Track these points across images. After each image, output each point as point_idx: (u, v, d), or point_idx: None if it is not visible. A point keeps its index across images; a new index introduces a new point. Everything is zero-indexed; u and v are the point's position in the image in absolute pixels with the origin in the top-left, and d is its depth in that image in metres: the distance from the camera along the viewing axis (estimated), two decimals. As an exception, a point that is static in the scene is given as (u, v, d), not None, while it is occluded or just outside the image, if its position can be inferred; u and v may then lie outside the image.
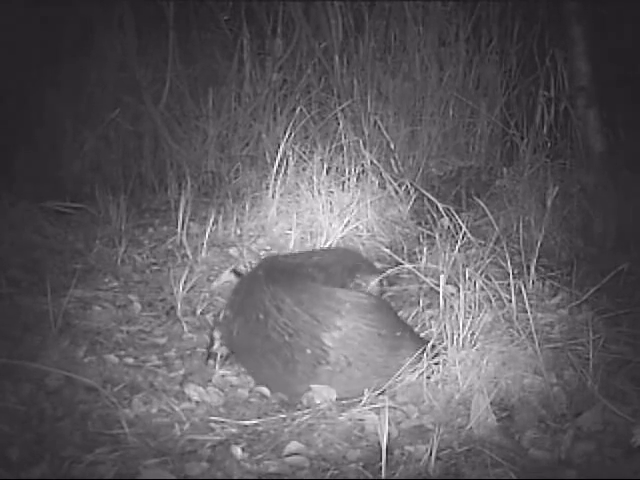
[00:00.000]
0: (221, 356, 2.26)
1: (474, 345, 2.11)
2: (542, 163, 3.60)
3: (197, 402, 2.06)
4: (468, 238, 2.69)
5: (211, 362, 2.26)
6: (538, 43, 4.38)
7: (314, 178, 3.27)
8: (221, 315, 2.32)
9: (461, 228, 2.65)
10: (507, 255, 2.40)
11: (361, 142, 3.73)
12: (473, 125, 4.51)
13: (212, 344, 2.29)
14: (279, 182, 3.30)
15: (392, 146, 4.08)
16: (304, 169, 3.39)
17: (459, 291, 2.24)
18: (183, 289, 2.61)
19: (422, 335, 2.31)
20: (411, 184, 3.56)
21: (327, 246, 3.00)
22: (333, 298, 2.11)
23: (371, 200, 3.30)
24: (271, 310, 2.11)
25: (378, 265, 3.02)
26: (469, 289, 2.28)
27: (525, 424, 1.91)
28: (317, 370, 2.06)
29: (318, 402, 2.04)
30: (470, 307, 2.23)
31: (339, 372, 2.05)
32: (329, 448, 1.85)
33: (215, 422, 1.96)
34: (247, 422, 1.97)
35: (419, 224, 3.36)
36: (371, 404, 1.98)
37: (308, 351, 2.06)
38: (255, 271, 2.37)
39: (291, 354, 2.07)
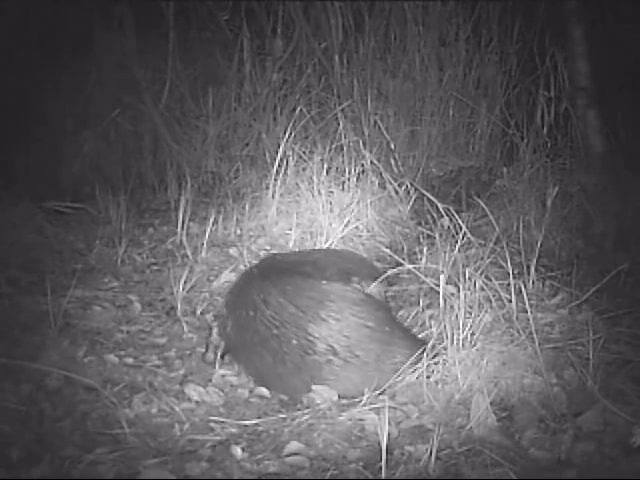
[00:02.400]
0: (218, 349, 2.26)
1: (474, 345, 2.11)
2: (542, 163, 3.59)
3: (197, 402, 2.06)
4: (468, 238, 2.69)
5: (209, 355, 2.27)
6: (538, 43, 4.37)
7: (314, 178, 3.27)
8: (219, 311, 2.33)
9: (461, 228, 2.64)
10: (507, 255, 2.39)
11: (361, 142, 3.73)
12: (473, 125, 4.50)
13: (210, 334, 2.31)
14: (279, 182, 3.30)
15: (392, 146, 4.07)
16: (304, 169, 3.39)
17: (459, 291, 2.24)
18: (183, 289, 2.61)
19: (422, 335, 2.32)
20: (411, 184, 3.56)
21: (328, 246, 3.00)
22: (318, 290, 2.13)
23: (371, 200, 3.30)
24: (259, 304, 2.14)
25: (378, 265, 3.02)
26: (469, 289, 2.28)
27: (525, 424, 1.91)
28: (305, 360, 2.07)
29: (318, 402, 2.04)
30: (470, 307, 2.24)
31: (326, 362, 2.07)
32: (329, 448, 1.85)
33: (215, 422, 1.97)
34: (247, 422, 1.98)
35: (419, 224, 3.36)
36: (371, 404, 1.99)
37: (294, 342, 2.08)
38: (251, 269, 2.40)
39: (279, 345, 2.10)
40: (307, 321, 2.08)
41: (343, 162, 3.51)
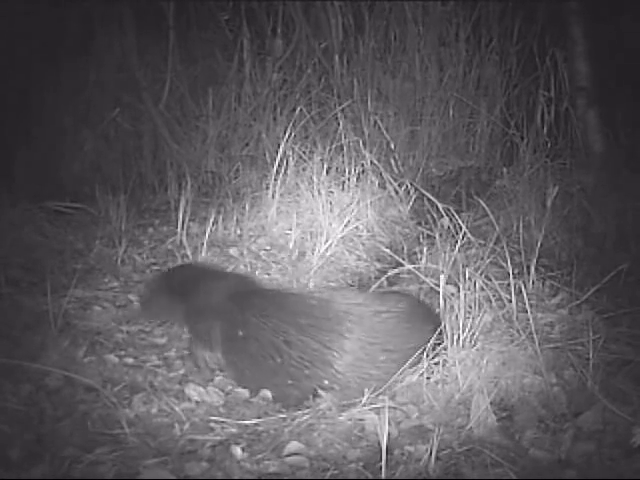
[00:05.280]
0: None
1: (474, 345, 2.11)
2: (542, 163, 3.60)
3: (197, 402, 2.06)
4: (468, 238, 2.69)
5: (205, 372, 2.25)
6: (538, 43, 4.38)
7: (314, 178, 3.27)
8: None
9: (461, 228, 2.65)
10: (507, 255, 2.40)
11: (361, 142, 3.73)
12: (473, 125, 4.51)
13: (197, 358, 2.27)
14: (279, 182, 3.30)
15: (392, 146, 4.08)
16: (304, 169, 3.39)
17: (459, 291, 2.24)
18: (183, 289, 2.61)
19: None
20: (411, 184, 3.57)
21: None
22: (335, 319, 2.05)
23: (371, 200, 3.30)
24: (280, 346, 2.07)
25: (378, 265, 3.03)
26: (469, 289, 2.27)
27: (525, 424, 1.91)
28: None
29: (318, 402, 2.04)
30: (470, 307, 2.23)
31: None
32: (329, 448, 1.85)
33: (215, 422, 1.96)
34: (247, 422, 1.97)
35: (419, 224, 3.36)
36: (371, 404, 1.98)
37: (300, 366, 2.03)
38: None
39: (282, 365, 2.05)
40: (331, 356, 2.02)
41: (343, 162, 3.51)
